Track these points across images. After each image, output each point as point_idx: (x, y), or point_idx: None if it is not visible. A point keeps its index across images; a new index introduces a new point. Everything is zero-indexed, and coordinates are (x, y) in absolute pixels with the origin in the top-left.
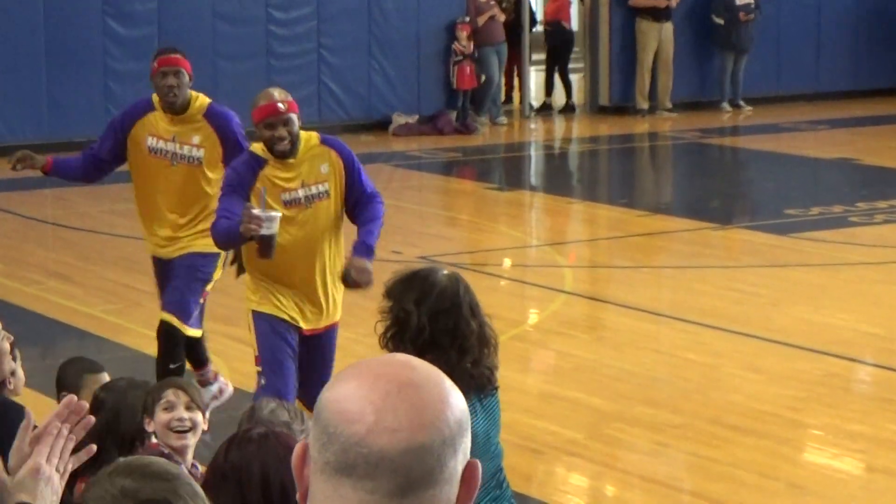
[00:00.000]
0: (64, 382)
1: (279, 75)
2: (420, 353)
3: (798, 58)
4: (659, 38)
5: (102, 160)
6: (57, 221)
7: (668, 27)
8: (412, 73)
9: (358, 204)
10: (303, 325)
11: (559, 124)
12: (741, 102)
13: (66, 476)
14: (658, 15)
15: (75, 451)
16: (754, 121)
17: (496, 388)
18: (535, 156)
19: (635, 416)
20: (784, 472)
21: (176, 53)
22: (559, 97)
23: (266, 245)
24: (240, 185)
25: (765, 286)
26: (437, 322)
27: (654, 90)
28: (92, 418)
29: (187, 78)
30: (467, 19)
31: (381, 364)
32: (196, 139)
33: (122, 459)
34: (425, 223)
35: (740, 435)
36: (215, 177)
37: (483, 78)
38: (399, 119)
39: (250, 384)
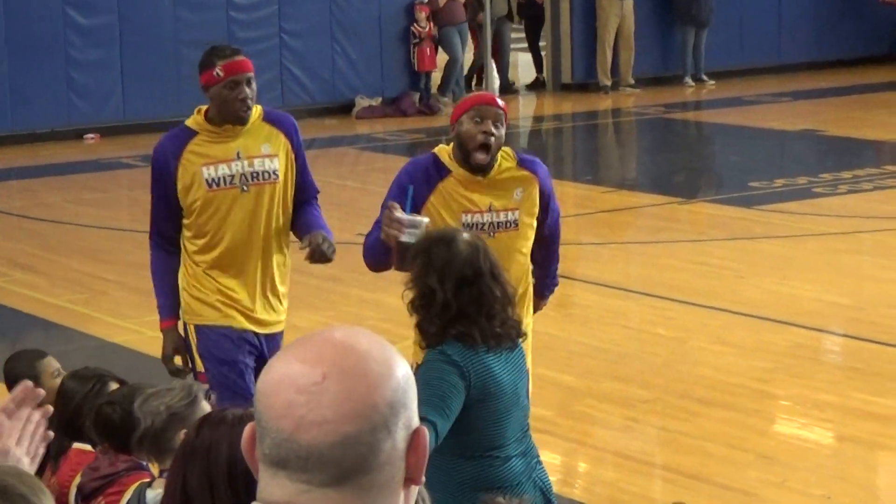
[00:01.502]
0: (14, 375)
1: None
2: (450, 325)
3: (760, 30)
4: (620, 14)
5: (175, 236)
6: (21, 213)
7: (628, 3)
8: (375, 55)
9: (544, 241)
10: None
11: (523, 102)
12: (704, 76)
13: (38, 460)
14: None
15: None
16: (717, 94)
17: (524, 337)
18: None
19: (605, 391)
20: (753, 444)
21: (242, 55)
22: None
23: (400, 254)
24: (409, 193)
25: (731, 259)
26: (462, 294)
27: (617, 66)
28: (50, 407)
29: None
30: (426, 0)
31: (313, 345)
32: (266, 148)
33: None
34: None
35: (709, 408)
36: (289, 200)
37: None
38: (363, 102)
39: None
